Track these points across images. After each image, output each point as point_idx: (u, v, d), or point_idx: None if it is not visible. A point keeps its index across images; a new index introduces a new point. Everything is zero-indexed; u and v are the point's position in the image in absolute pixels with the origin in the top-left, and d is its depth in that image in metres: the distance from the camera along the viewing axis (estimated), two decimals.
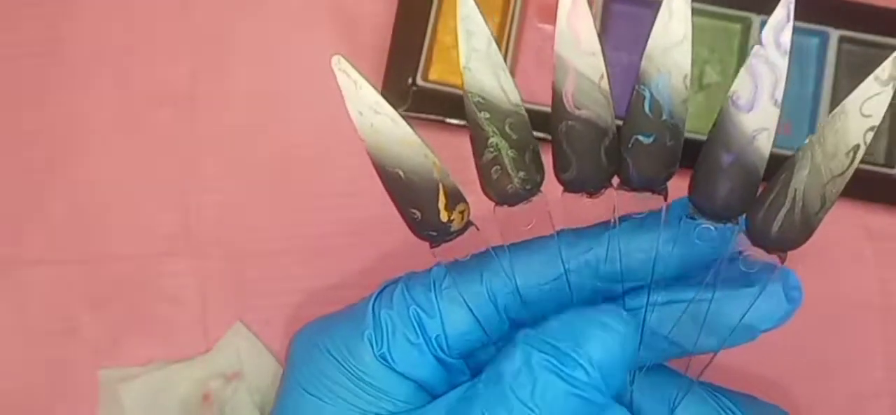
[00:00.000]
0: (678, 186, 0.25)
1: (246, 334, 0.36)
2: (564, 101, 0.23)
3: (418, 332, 0.26)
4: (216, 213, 0.37)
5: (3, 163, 0.38)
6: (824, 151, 0.22)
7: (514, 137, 0.24)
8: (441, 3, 0.37)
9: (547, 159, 0.25)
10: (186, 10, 0.39)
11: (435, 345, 0.26)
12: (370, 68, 0.37)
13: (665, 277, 0.26)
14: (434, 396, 0.27)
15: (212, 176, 0.37)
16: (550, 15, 0.38)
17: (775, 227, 0.23)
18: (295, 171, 0.37)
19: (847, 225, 0.36)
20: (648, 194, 0.24)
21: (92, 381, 0.36)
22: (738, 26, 0.37)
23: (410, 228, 0.25)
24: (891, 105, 0.37)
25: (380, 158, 0.24)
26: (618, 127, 0.24)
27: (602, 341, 0.24)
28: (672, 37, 0.23)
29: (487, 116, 0.24)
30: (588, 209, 0.25)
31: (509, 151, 0.24)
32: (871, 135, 0.22)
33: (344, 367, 0.26)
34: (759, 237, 0.23)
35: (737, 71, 0.36)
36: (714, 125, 0.23)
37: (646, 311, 0.26)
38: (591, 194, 0.24)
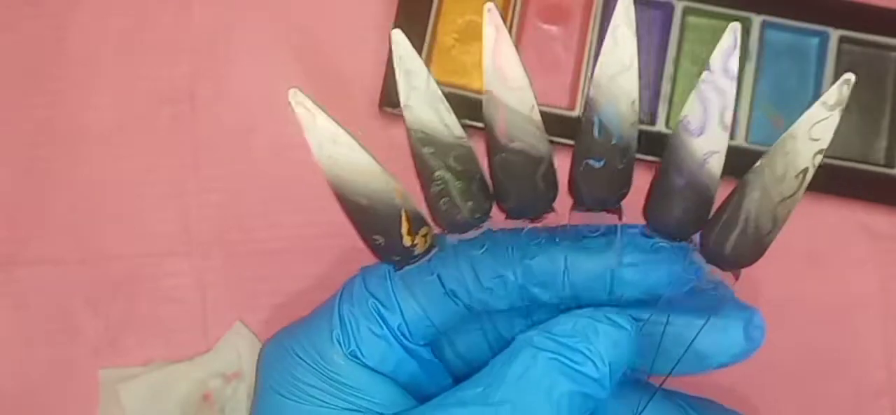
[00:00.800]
0: (646, 180, 0.25)
1: (246, 334, 0.36)
2: (497, 134, 0.24)
3: (380, 324, 0.26)
4: (216, 213, 0.37)
5: (3, 163, 0.38)
6: (774, 174, 0.23)
7: (460, 168, 0.24)
8: (441, 4, 0.37)
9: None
10: (186, 10, 0.39)
11: (398, 334, 0.26)
12: (370, 68, 0.37)
13: (621, 297, 0.26)
14: (415, 393, 0.27)
15: (212, 176, 0.37)
16: (551, 15, 0.38)
17: (728, 247, 0.24)
18: (295, 171, 0.37)
19: (847, 225, 0.36)
20: (603, 213, 0.25)
21: (92, 381, 0.36)
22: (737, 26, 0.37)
23: (374, 253, 0.25)
24: (891, 105, 0.37)
25: (340, 188, 0.24)
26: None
27: (612, 336, 0.24)
28: (618, 64, 0.23)
29: (431, 150, 0.24)
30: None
31: (456, 183, 0.24)
32: (819, 158, 0.23)
33: (316, 370, 0.26)
34: (712, 256, 0.24)
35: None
36: (666, 149, 0.24)
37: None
38: (532, 220, 0.25)
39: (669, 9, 0.37)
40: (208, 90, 0.38)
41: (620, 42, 0.23)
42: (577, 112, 0.36)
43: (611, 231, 0.26)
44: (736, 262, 0.24)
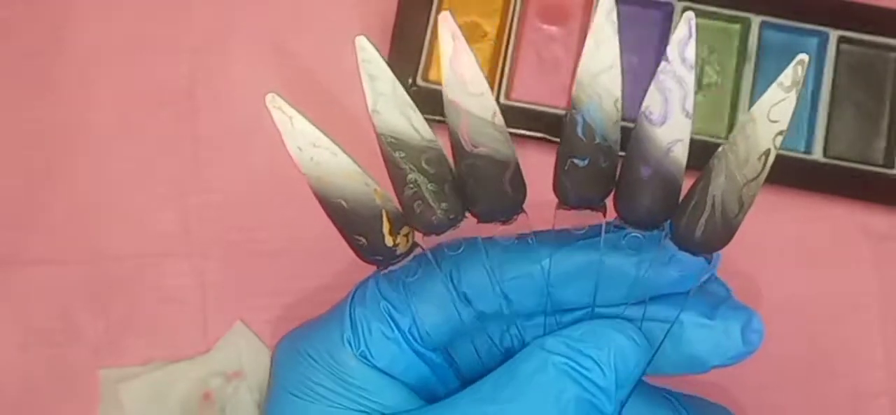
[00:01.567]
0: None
1: (246, 334, 0.36)
2: (462, 141, 0.24)
3: (392, 326, 0.26)
4: (216, 213, 0.37)
5: (3, 163, 0.38)
6: (737, 157, 0.23)
7: (432, 171, 0.24)
8: (441, 4, 0.37)
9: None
10: (186, 10, 0.39)
11: (409, 336, 0.26)
12: None
13: (617, 299, 0.26)
14: (424, 395, 0.27)
15: (212, 176, 0.37)
16: (552, 15, 0.38)
17: (698, 231, 0.24)
18: (295, 171, 0.37)
19: (847, 225, 0.37)
20: (588, 212, 0.25)
21: (92, 381, 0.36)
22: (737, 26, 0.37)
23: (357, 254, 0.26)
24: (890, 105, 0.37)
25: (322, 191, 0.25)
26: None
27: (622, 347, 0.24)
28: (601, 63, 0.24)
29: (402, 155, 0.24)
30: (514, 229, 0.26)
31: (429, 186, 0.25)
32: (780, 139, 0.23)
33: (328, 371, 0.26)
34: (683, 242, 0.25)
35: (736, 71, 0.37)
36: (631, 140, 0.24)
37: (592, 308, 0.26)
38: (503, 222, 0.25)
39: (669, 9, 0.37)
40: (208, 90, 0.38)
41: (602, 41, 0.24)
42: None
43: (597, 228, 0.26)
44: (706, 245, 0.24)
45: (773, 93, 0.23)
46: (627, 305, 0.26)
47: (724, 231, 0.24)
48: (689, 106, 0.23)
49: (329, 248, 0.37)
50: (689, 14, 0.23)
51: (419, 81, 0.36)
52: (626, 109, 0.24)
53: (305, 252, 0.37)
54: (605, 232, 0.26)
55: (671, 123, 0.24)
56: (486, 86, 0.24)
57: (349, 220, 0.25)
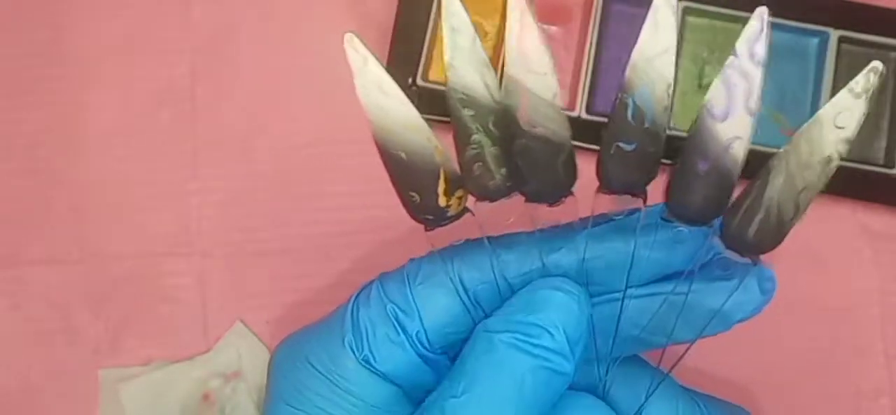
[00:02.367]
0: (660, 183, 0.25)
1: (246, 334, 0.36)
2: (519, 119, 0.24)
3: (398, 329, 0.26)
4: (216, 213, 0.37)
5: (3, 163, 0.38)
6: (799, 160, 0.23)
7: (498, 134, 0.24)
8: (441, 4, 0.37)
9: None
10: (186, 10, 0.39)
11: (415, 341, 0.26)
12: None
13: (641, 280, 0.26)
14: (421, 398, 0.27)
15: (212, 176, 0.37)
16: (552, 15, 0.38)
17: (750, 233, 0.24)
18: (295, 171, 0.37)
19: (847, 225, 0.36)
20: (627, 197, 0.25)
21: (92, 381, 0.36)
22: (738, 26, 0.37)
23: (407, 210, 0.25)
24: (891, 105, 0.37)
25: (384, 139, 0.24)
26: (601, 128, 0.24)
27: (560, 303, 0.24)
28: (657, 47, 0.23)
29: (471, 113, 0.24)
30: (563, 210, 0.25)
31: (492, 148, 0.24)
32: (845, 146, 0.23)
33: (326, 377, 0.26)
34: (733, 242, 0.24)
35: None
36: (690, 133, 0.24)
37: (622, 302, 0.26)
38: (551, 204, 0.25)
39: None
40: (208, 90, 0.38)
41: (661, 24, 0.23)
42: (576, 112, 0.36)
43: (634, 213, 0.26)
44: (757, 247, 0.24)
45: (843, 98, 0.22)
46: (646, 285, 0.26)
47: (776, 233, 0.23)
48: (754, 103, 0.23)
49: (329, 247, 0.37)
50: (763, 8, 0.22)
51: (419, 81, 0.36)
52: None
53: (305, 252, 0.37)
54: (642, 222, 0.25)
55: (733, 120, 0.23)
56: (550, 66, 0.23)
57: (406, 174, 0.24)
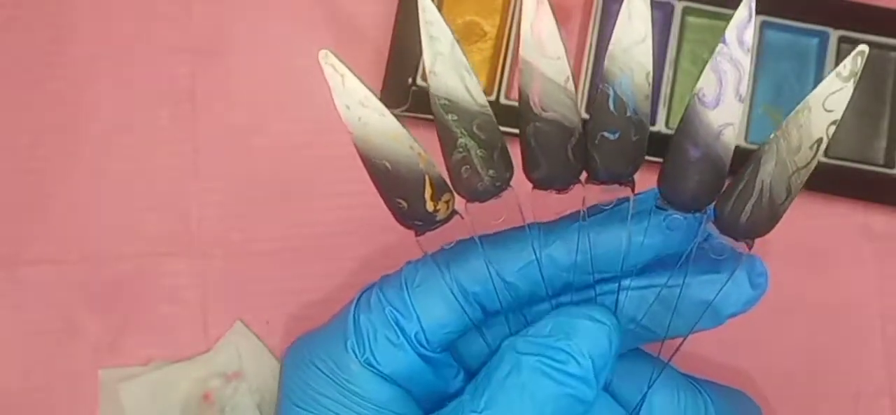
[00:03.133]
0: (650, 178, 0.26)
1: (246, 334, 0.36)
2: (531, 103, 0.24)
3: (397, 332, 0.26)
4: (216, 213, 0.37)
5: (3, 163, 0.38)
6: (789, 144, 0.23)
7: (483, 136, 0.24)
8: (441, 4, 0.37)
9: (515, 154, 0.25)
10: (186, 10, 0.39)
11: (415, 342, 0.26)
12: (370, 68, 0.37)
13: (636, 266, 0.26)
14: (428, 396, 0.27)
15: (212, 176, 0.37)
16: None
17: (744, 217, 0.24)
18: (294, 170, 0.37)
19: (847, 225, 0.36)
20: (616, 186, 0.25)
21: (92, 381, 0.36)
22: None
23: (396, 217, 0.25)
24: (891, 105, 0.37)
25: (367, 151, 0.24)
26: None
27: (591, 332, 0.24)
28: (633, 36, 0.24)
29: (455, 118, 0.24)
30: (558, 202, 0.26)
31: (478, 151, 0.24)
32: (833, 128, 0.23)
33: (331, 379, 0.26)
34: (727, 227, 0.25)
35: None
36: (681, 121, 0.24)
37: (617, 296, 0.26)
38: (559, 191, 0.25)
39: (669, 9, 0.37)
40: (208, 90, 0.38)
41: (635, 14, 0.24)
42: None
43: (625, 202, 0.26)
44: (751, 231, 0.24)
45: (830, 82, 0.23)
46: (632, 275, 0.26)
47: (769, 217, 0.24)
48: (743, 90, 0.23)
49: (329, 247, 0.37)
50: None
51: (419, 81, 0.36)
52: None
53: (305, 252, 0.37)
54: (633, 209, 0.26)
55: (724, 106, 0.23)
56: (563, 50, 0.24)
57: (392, 182, 0.25)
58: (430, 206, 0.25)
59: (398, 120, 0.24)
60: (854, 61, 0.23)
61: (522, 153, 0.25)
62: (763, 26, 0.37)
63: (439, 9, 0.37)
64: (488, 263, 0.26)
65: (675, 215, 0.25)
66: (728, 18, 0.37)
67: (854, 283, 0.36)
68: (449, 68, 0.24)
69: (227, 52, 0.38)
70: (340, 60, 0.24)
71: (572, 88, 0.24)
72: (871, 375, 0.36)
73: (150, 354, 0.36)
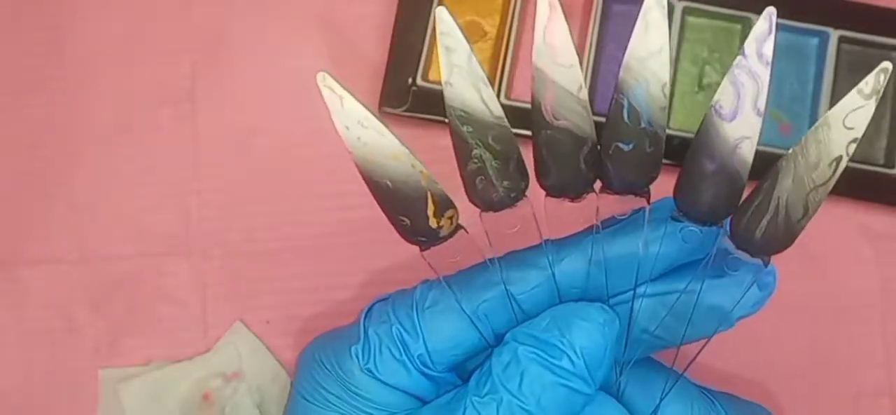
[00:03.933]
0: (666, 184, 0.25)
1: (246, 334, 0.36)
2: (544, 111, 0.24)
3: (402, 350, 0.27)
4: (216, 213, 0.37)
5: (2, 163, 0.38)
6: (807, 161, 0.23)
7: (498, 148, 0.24)
8: (441, 4, 0.37)
9: (529, 160, 0.25)
10: (186, 10, 0.39)
11: (418, 362, 0.27)
12: (370, 69, 0.37)
13: (650, 277, 0.26)
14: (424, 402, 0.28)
15: (212, 176, 0.37)
16: None
17: (758, 233, 0.24)
18: (295, 171, 0.37)
19: (847, 225, 0.36)
20: (631, 197, 0.25)
21: (92, 381, 0.36)
22: (738, 26, 0.37)
23: (400, 234, 0.26)
24: (891, 105, 0.37)
25: (368, 170, 0.25)
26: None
27: (584, 329, 0.24)
28: (649, 47, 0.23)
29: (470, 129, 0.24)
30: (573, 211, 0.25)
31: (493, 162, 0.24)
32: (853, 146, 0.23)
33: (336, 379, 0.27)
34: (742, 242, 0.24)
35: None
36: (698, 133, 0.24)
37: (632, 306, 0.26)
38: (572, 199, 0.25)
39: (669, 9, 0.37)
40: (208, 90, 0.38)
41: (651, 25, 0.23)
42: None
43: (639, 213, 0.26)
44: (766, 247, 0.24)
45: (852, 99, 0.23)
46: (646, 283, 0.26)
47: (785, 234, 0.24)
48: (762, 104, 0.23)
49: (330, 247, 0.37)
50: (771, 9, 0.23)
51: (419, 81, 0.36)
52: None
53: (305, 252, 0.37)
54: (649, 220, 0.26)
55: (741, 120, 0.23)
56: (576, 58, 0.24)
57: (394, 200, 0.25)
58: (433, 222, 0.25)
59: (398, 139, 0.24)
60: (877, 78, 0.22)
61: (534, 160, 0.25)
62: None
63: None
64: (504, 282, 0.26)
65: (691, 227, 0.25)
66: (728, 18, 0.37)
67: (854, 283, 0.36)
68: (465, 80, 0.24)
69: (227, 52, 0.38)
70: (338, 82, 0.24)
71: (585, 97, 0.24)
72: (871, 375, 0.36)
73: (150, 354, 0.36)
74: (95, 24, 0.39)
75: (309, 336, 0.36)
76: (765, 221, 0.23)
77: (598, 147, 0.24)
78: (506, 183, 0.25)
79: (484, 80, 0.24)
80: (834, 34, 0.36)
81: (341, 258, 0.37)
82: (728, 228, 0.25)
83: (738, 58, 0.23)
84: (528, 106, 0.37)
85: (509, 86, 0.37)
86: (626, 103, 0.24)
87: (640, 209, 0.26)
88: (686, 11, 0.37)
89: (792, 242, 0.24)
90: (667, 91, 0.24)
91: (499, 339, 0.27)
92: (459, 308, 0.26)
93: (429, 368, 0.27)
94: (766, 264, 0.25)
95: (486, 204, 0.25)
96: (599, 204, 0.25)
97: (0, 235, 0.37)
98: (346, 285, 0.36)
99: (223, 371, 0.36)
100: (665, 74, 0.23)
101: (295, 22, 0.38)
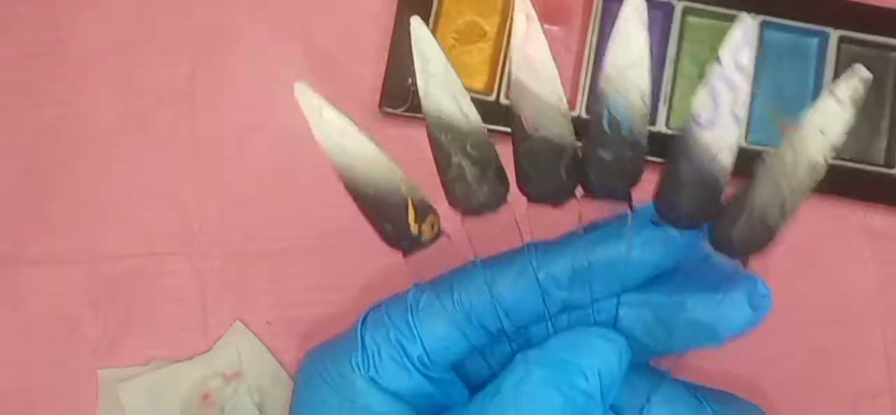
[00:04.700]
0: (651, 179, 0.25)
1: (246, 334, 0.36)
2: (524, 122, 0.24)
3: (401, 353, 0.27)
4: (216, 213, 0.37)
5: (3, 163, 0.38)
6: (783, 168, 0.23)
7: (476, 155, 0.25)
8: (441, 4, 0.37)
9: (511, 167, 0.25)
10: (186, 10, 0.39)
11: (419, 364, 0.27)
12: (370, 69, 0.37)
13: (634, 282, 0.26)
14: (429, 412, 0.27)
15: (212, 176, 0.37)
16: (552, 15, 0.38)
17: (736, 235, 0.24)
18: (295, 171, 0.37)
19: (847, 225, 0.36)
20: (613, 202, 0.25)
21: (92, 381, 0.36)
22: None
23: (383, 239, 0.26)
24: (891, 106, 0.37)
25: (349, 178, 0.25)
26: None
27: (600, 350, 0.25)
28: (629, 57, 0.24)
29: (449, 137, 0.24)
30: (554, 216, 0.26)
31: (472, 169, 0.25)
32: (832, 152, 0.23)
33: (337, 392, 0.27)
34: (722, 245, 0.24)
35: None
36: (678, 140, 0.24)
37: (617, 312, 0.26)
38: (554, 205, 0.25)
39: (669, 9, 0.37)
40: (208, 90, 0.38)
41: (630, 36, 0.23)
42: (577, 111, 0.36)
43: (623, 218, 0.26)
44: (745, 250, 0.24)
45: (827, 105, 0.22)
46: (629, 292, 0.26)
47: (763, 237, 0.24)
48: (740, 111, 0.23)
49: (330, 247, 0.37)
50: (745, 16, 0.23)
51: None
52: None
53: (306, 252, 0.37)
54: (632, 222, 0.26)
55: (719, 127, 0.23)
56: (555, 70, 0.24)
57: (376, 207, 0.25)
58: (413, 228, 0.25)
59: (377, 145, 0.25)
60: (850, 85, 0.22)
61: (515, 169, 0.25)
62: (764, 26, 0.37)
63: (439, 10, 0.37)
64: (489, 284, 0.26)
65: (672, 231, 0.25)
66: (728, 18, 0.37)
67: (854, 283, 0.36)
68: (442, 90, 0.24)
69: (227, 52, 0.38)
70: (315, 92, 0.24)
71: (567, 107, 0.24)
72: (871, 375, 0.36)
73: (150, 354, 0.36)
74: (95, 24, 0.39)
75: (309, 337, 0.36)
76: (742, 224, 0.24)
77: (579, 156, 0.25)
78: (485, 189, 0.25)
79: (461, 90, 0.24)
80: (834, 34, 0.37)
81: (342, 258, 0.37)
82: (707, 232, 0.25)
83: (715, 66, 0.23)
84: None
85: (510, 86, 0.37)
86: (606, 113, 0.24)
87: (624, 214, 0.26)
88: (686, 11, 0.37)
89: (770, 243, 0.24)
90: (647, 100, 0.24)
91: (490, 335, 0.27)
92: (452, 308, 0.26)
93: (428, 368, 0.27)
94: (744, 266, 0.25)
95: (468, 209, 0.25)
96: (582, 210, 0.26)
97: (0, 235, 0.37)
98: (346, 286, 0.36)
99: (223, 371, 0.36)
100: (644, 84, 0.24)
101: (295, 22, 0.38)
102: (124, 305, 0.37)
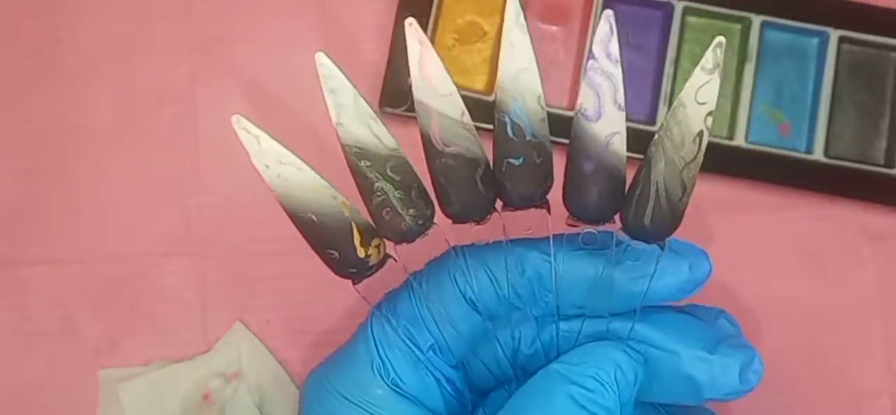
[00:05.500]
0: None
1: (246, 334, 0.36)
2: (433, 141, 0.25)
3: (413, 348, 0.26)
4: (216, 213, 0.37)
5: (3, 163, 0.38)
6: (673, 142, 0.24)
7: (397, 178, 0.25)
8: (441, 4, 0.37)
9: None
10: (186, 10, 0.39)
11: (431, 354, 0.27)
12: (370, 69, 0.37)
13: (572, 300, 0.27)
14: None
15: (212, 176, 0.37)
16: (552, 15, 0.38)
17: (647, 219, 0.25)
18: None
19: (847, 225, 0.36)
20: (533, 210, 0.26)
21: (92, 381, 0.36)
22: (737, 26, 0.37)
23: (331, 268, 0.26)
24: (891, 106, 0.37)
25: (291, 206, 0.25)
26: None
27: (621, 362, 0.25)
28: (517, 65, 0.24)
29: (368, 163, 0.25)
30: (481, 233, 0.26)
31: (396, 193, 0.25)
32: (711, 119, 0.24)
33: (358, 406, 0.26)
34: (635, 231, 0.25)
35: (737, 71, 0.37)
36: (571, 139, 0.25)
37: (581, 327, 0.27)
38: (478, 222, 0.26)
39: (669, 9, 0.37)
40: (208, 90, 0.38)
41: (515, 44, 0.24)
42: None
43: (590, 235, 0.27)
44: (657, 232, 0.25)
45: (698, 77, 0.24)
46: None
47: (671, 216, 0.25)
48: (621, 99, 0.24)
49: None
50: (609, 12, 0.24)
51: None
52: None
53: (306, 252, 0.37)
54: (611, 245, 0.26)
55: (606, 118, 0.24)
56: (453, 87, 0.24)
57: (320, 234, 0.25)
58: (360, 252, 0.25)
59: (317, 172, 0.25)
60: (715, 54, 0.23)
61: (434, 190, 0.25)
62: (764, 26, 0.37)
63: (439, 10, 0.37)
64: (488, 272, 0.26)
65: (588, 230, 0.26)
66: (728, 18, 0.37)
67: (854, 283, 0.36)
68: (354, 119, 0.25)
69: (227, 51, 0.38)
70: (253, 122, 0.25)
71: (469, 121, 0.25)
72: (871, 375, 0.36)
73: (150, 354, 0.36)
74: (95, 24, 0.39)
75: (309, 336, 0.36)
76: (650, 207, 0.24)
77: (491, 168, 0.25)
78: (411, 211, 0.25)
79: (373, 116, 0.25)
80: (834, 34, 0.37)
81: None
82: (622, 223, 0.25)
83: (590, 61, 0.24)
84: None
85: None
86: (508, 120, 0.24)
87: (589, 232, 0.26)
88: (686, 11, 0.37)
89: (679, 222, 0.25)
90: (543, 103, 0.24)
91: (492, 319, 0.27)
92: (455, 291, 0.26)
93: (441, 357, 0.27)
94: (661, 249, 0.25)
95: (397, 235, 0.26)
96: (505, 222, 0.26)
97: (0, 235, 0.37)
98: (346, 285, 0.36)
99: (223, 371, 0.36)
100: (538, 87, 0.24)
101: (295, 22, 0.38)
102: (124, 305, 0.37)
